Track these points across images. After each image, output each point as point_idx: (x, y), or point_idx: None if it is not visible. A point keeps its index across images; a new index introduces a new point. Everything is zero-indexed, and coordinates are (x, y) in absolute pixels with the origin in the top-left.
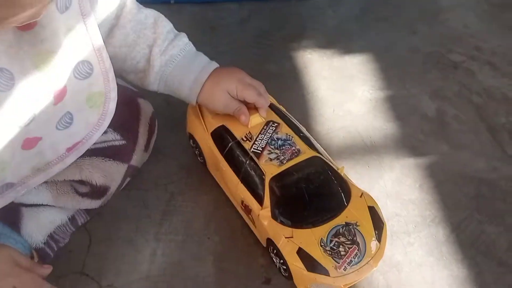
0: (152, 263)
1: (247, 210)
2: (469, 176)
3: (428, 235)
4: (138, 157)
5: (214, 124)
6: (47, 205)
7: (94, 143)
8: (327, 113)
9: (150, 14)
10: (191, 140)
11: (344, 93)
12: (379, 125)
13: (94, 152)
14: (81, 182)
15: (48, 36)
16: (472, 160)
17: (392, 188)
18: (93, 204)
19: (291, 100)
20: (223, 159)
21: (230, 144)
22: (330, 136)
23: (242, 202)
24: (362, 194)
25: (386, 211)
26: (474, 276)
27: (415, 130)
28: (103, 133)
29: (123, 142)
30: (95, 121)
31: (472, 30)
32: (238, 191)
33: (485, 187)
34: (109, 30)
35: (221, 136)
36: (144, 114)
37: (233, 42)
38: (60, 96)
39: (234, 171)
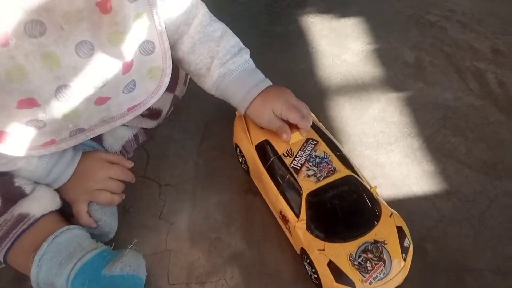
0: (197, 169)
1: (285, 220)
2: (439, 104)
3: (406, 145)
4: (179, 89)
5: (259, 137)
6: None
7: None
8: (327, 62)
9: (219, 28)
10: (237, 149)
11: (340, 47)
12: (369, 70)
13: None
14: None
15: (120, 20)
16: (442, 93)
17: (379, 114)
18: (151, 124)
19: (297, 54)
20: (265, 171)
21: (272, 158)
22: (330, 79)
23: (280, 212)
24: (391, 214)
25: (374, 130)
26: (439, 170)
27: (397, 73)
28: None
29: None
30: (152, 89)
31: None
32: (277, 202)
33: (450, 111)
34: (180, 35)
35: (264, 150)
36: None
37: (248, 9)
38: (127, 68)
39: (274, 183)
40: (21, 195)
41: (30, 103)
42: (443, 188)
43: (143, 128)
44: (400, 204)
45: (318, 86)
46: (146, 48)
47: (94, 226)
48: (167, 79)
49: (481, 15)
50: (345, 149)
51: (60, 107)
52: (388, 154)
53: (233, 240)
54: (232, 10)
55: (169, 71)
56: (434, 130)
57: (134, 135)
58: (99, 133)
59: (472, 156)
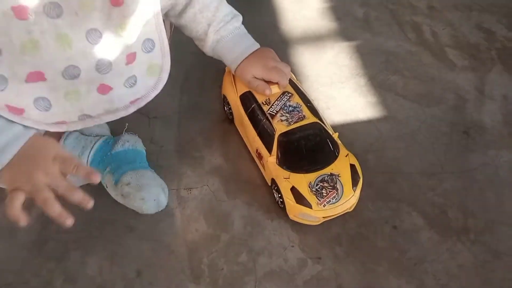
0: (180, 104)
1: (260, 156)
2: (382, 50)
3: (354, 82)
4: None
5: (243, 89)
6: None
7: None
8: (289, 17)
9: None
10: (224, 100)
11: (300, 4)
12: (324, 23)
13: None
14: None
15: (129, 14)
16: (385, 42)
17: (332, 58)
18: None
19: (263, 10)
20: (246, 116)
21: (253, 106)
22: (291, 31)
23: (257, 150)
24: (347, 154)
25: (328, 71)
26: (380, 101)
27: (348, 26)
28: None
29: None
30: (152, 85)
31: None
32: (254, 141)
33: (392, 56)
34: (184, 7)
35: (247, 99)
36: None
37: None
38: (130, 59)
39: (253, 126)
40: None
41: (38, 76)
42: (383, 114)
43: None
44: (348, 127)
45: (281, 37)
46: (147, 46)
47: (24, 224)
48: (165, 75)
49: None
50: (304, 87)
51: (64, 85)
52: (339, 90)
53: (213, 157)
54: None
55: (167, 67)
56: (378, 71)
57: None
58: (105, 121)
59: (407, 89)
